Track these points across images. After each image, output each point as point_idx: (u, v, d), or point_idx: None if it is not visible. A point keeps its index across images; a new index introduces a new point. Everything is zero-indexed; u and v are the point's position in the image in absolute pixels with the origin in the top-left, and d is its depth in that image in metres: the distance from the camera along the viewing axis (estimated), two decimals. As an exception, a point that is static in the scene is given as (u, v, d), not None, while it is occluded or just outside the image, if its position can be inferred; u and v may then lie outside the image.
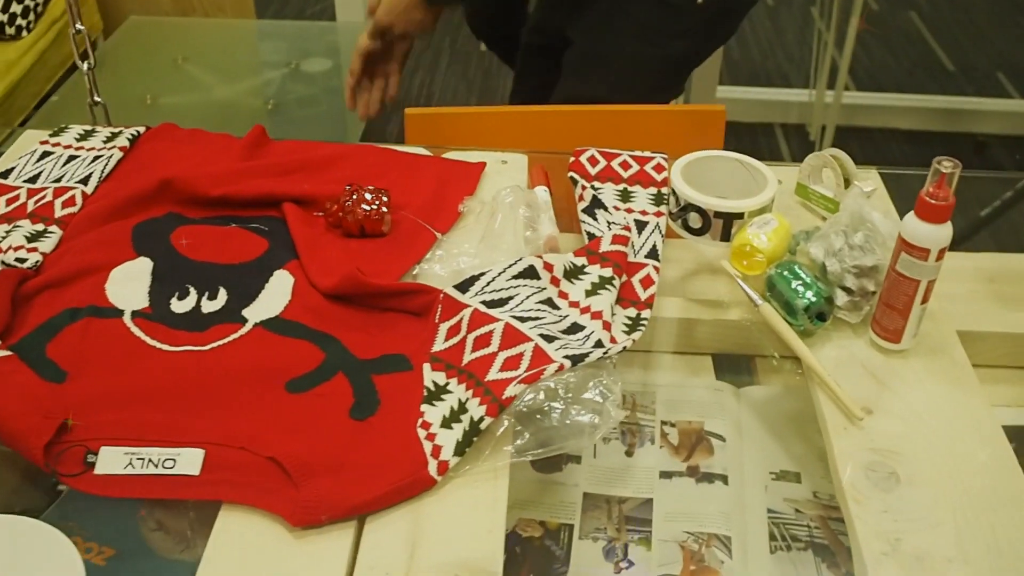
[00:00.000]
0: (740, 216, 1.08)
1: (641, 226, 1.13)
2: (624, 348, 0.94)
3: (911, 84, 3.72)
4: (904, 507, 0.82)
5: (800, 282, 0.99)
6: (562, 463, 1.02)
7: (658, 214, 1.15)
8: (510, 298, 0.96)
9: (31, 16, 2.62)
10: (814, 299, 0.98)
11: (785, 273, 1.00)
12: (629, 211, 1.15)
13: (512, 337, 0.90)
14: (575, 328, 0.95)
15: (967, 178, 1.80)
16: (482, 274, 0.98)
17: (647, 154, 1.25)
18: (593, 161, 1.23)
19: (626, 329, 0.98)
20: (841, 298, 1.00)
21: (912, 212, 0.91)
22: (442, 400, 0.87)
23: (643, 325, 0.99)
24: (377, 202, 1.08)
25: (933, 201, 0.89)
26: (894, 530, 0.80)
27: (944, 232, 0.91)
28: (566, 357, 0.87)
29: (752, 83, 3.66)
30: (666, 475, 1.01)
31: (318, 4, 4.13)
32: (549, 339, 0.90)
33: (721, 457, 1.02)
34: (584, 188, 1.17)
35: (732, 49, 3.92)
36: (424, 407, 0.87)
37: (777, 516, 0.97)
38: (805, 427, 1.01)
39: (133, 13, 2.79)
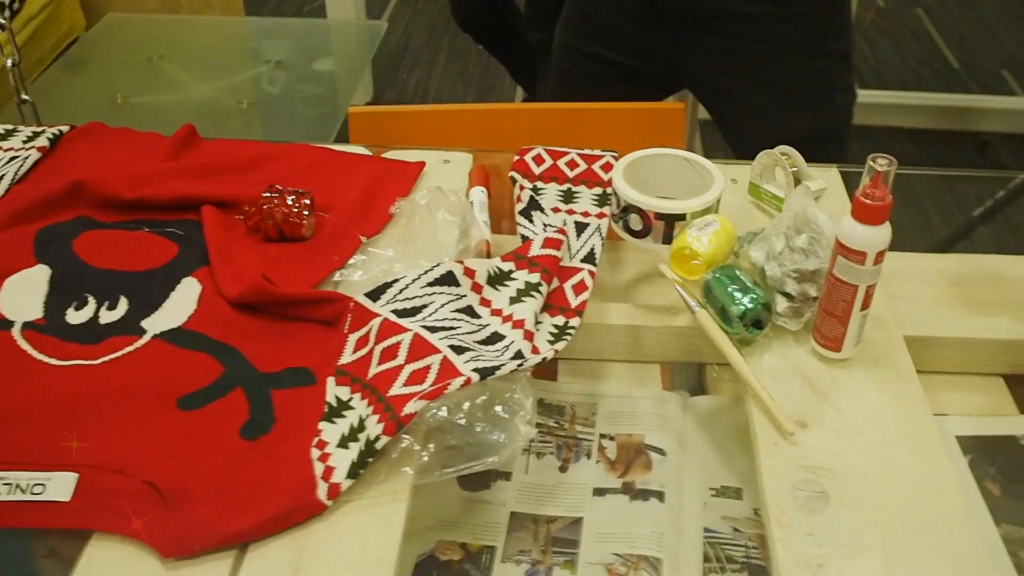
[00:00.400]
0: (682, 218, 1.03)
1: (581, 228, 1.07)
2: (544, 359, 0.88)
3: (916, 82, 3.65)
4: (831, 530, 0.77)
5: (737, 287, 0.93)
6: (490, 480, 0.96)
7: (600, 215, 1.09)
8: (424, 306, 0.90)
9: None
10: (750, 305, 0.92)
11: (722, 277, 0.95)
12: (571, 212, 1.10)
13: (420, 349, 0.84)
14: (495, 338, 0.90)
15: (970, 178, 1.74)
16: (395, 281, 0.92)
17: (596, 152, 1.19)
18: (539, 160, 1.18)
19: (551, 338, 0.93)
20: (781, 304, 0.94)
21: (848, 214, 0.85)
22: (343, 417, 0.82)
23: (569, 334, 0.94)
24: (298, 205, 1.02)
25: (869, 201, 0.83)
26: (818, 555, 0.75)
27: (882, 234, 0.85)
28: (475, 370, 0.82)
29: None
30: (600, 492, 0.95)
31: (316, 1, 4.09)
32: (460, 350, 0.84)
33: (659, 472, 0.97)
34: (522, 189, 1.11)
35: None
36: (322, 425, 0.82)
37: (714, 536, 0.91)
38: (750, 440, 0.95)
39: (116, 10, 2.75)
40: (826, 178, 1.15)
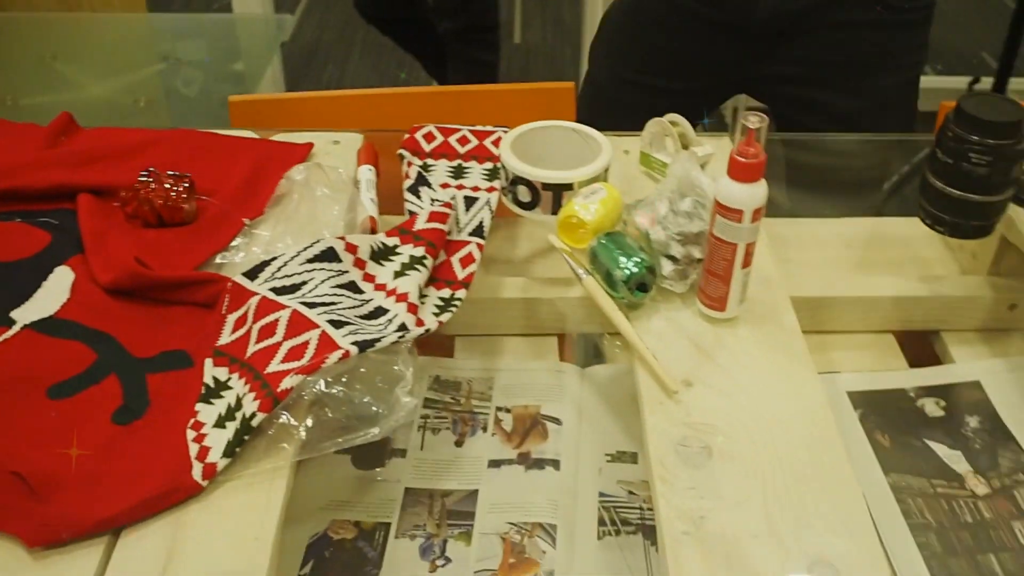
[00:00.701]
0: (570, 187, 1.02)
1: (471, 202, 1.06)
2: (427, 331, 0.87)
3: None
4: (713, 483, 0.77)
5: (621, 252, 0.93)
6: (384, 458, 0.96)
7: (491, 190, 1.09)
8: (303, 283, 0.89)
9: None
10: (634, 269, 0.92)
11: (607, 243, 0.95)
12: (460, 187, 1.09)
13: (298, 325, 0.83)
14: (378, 312, 0.89)
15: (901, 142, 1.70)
16: (274, 259, 0.91)
17: (488, 128, 1.19)
18: (429, 137, 1.17)
19: (436, 311, 0.92)
20: (667, 267, 0.94)
21: (725, 173, 0.85)
22: (220, 397, 0.80)
23: (455, 306, 0.93)
24: (176, 188, 1.00)
25: (743, 159, 0.83)
26: (699, 508, 0.75)
27: (758, 191, 0.85)
28: (354, 343, 0.81)
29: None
30: (495, 464, 0.95)
31: (223, -1, 4.03)
32: (339, 324, 0.83)
33: (555, 442, 0.97)
34: (410, 165, 1.10)
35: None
36: (199, 406, 0.80)
37: (609, 499, 0.92)
38: (640, 403, 0.96)
39: (10, 9, 2.67)
40: (716, 145, 1.16)
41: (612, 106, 1.62)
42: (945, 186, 0.98)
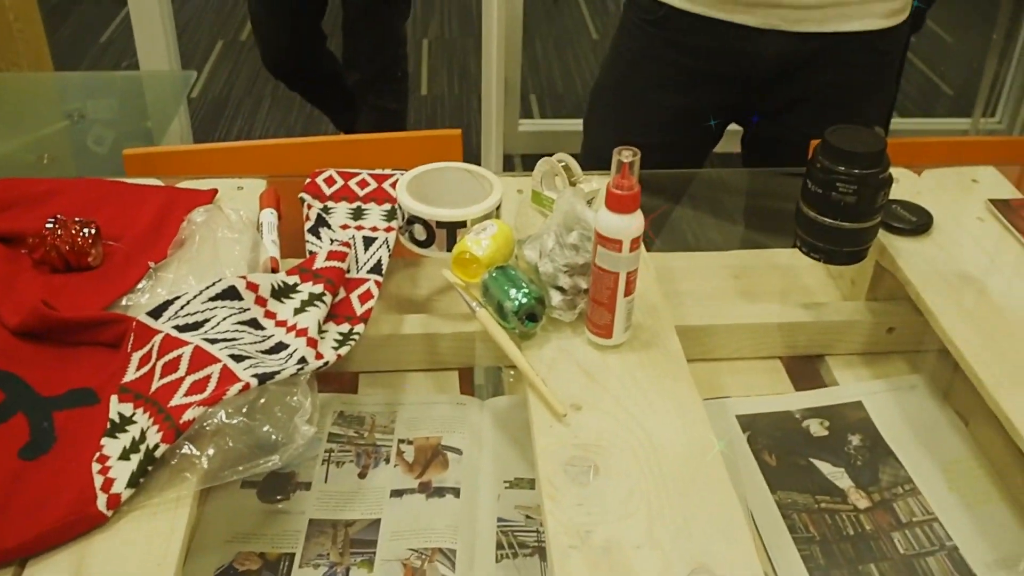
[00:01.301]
0: (463, 224, 1.07)
1: (369, 242, 1.10)
2: (326, 364, 0.91)
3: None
4: (599, 500, 0.81)
5: (511, 284, 0.98)
6: (289, 491, 0.98)
7: (388, 229, 1.13)
8: (206, 320, 0.92)
9: None
10: (524, 300, 0.96)
11: (497, 276, 0.99)
12: (360, 228, 1.13)
13: (200, 360, 0.86)
14: (279, 347, 0.92)
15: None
16: (177, 298, 0.94)
17: (387, 172, 1.23)
18: (330, 181, 1.21)
19: (335, 345, 0.95)
20: (555, 298, 0.99)
21: (603, 206, 0.91)
22: (125, 431, 0.83)
23: (354, 339, 0.97)
24: (83, 234, 1.03)
25: (619, 191, 0.89)
26: (585, 523, 0.79)
27: (634, 222, 0.90)
28: (254, 375, 0.84)
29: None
30: (397, 493, 0.98)
31: (133, 57, 4.04)
32: (240, 359, 0.86)
33: (456, 471, 1.00)
34: (310, 208, 1.14)
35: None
36: (105, 440, 0.82)
37: (507, 524, 0.95)
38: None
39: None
40: (600, 181, 1.22)
41: None
42: (817, 215, 1.05)
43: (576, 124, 3.45)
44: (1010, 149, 1.61)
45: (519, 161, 3.42)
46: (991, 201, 1.21)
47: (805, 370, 1.15)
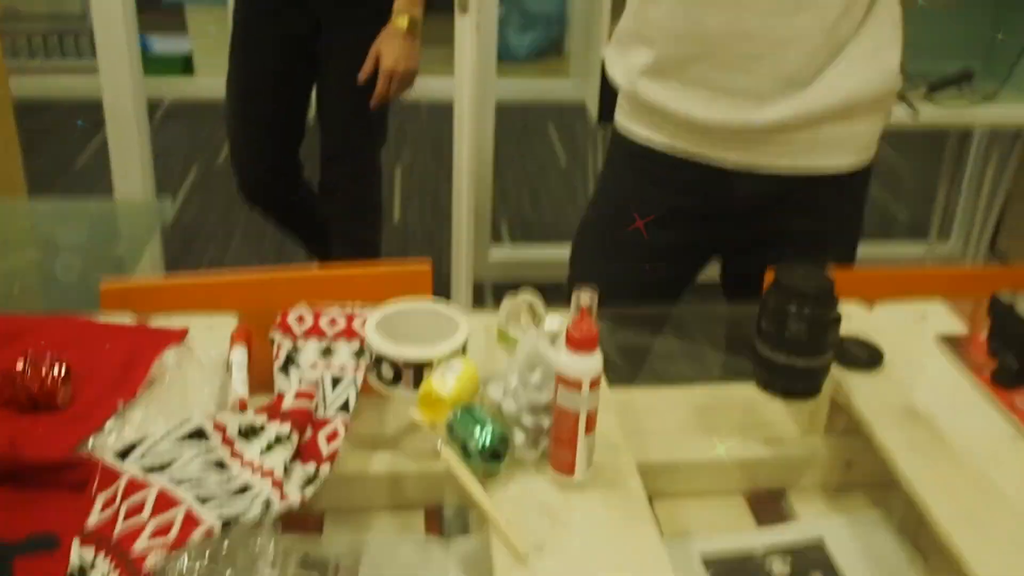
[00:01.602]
0: (429, 364, 1.09)
1: (337, 381, 1.12)
2: (291, 506, 0.92)
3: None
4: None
5: (475, 423, 1.00)
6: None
7: (356, 368, 1.15)
8: (172, 461, 0.93)
9: None
10: (487, 440, 0.98)
11: (462, 416, 1.01)
12: (328, 366, 1.15)
13: (165, 503, 0.87)
14: (244, 489, 0.93)
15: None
16: (144, 439, 0.95)
17: (356, 311, 1.25)
18: (301, 319, 1.23)
19: (301, 484, 0.96)
20: (519, 436, 1.01)
21: (564, 347, 0.93)
22: (86, 578, 0.83)
23: (320, 480, 0.98)
24: (52, 374, 1.04)
25: (577, 334, 0.92)
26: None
27: (593, 362, 0.93)
28: (219, 518, 0.85)
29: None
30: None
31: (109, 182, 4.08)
32: (205, 500, 0.87)
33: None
34: (279, 346, 1.16)
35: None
36: (66, 587, 0.83)
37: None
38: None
39: None
40: (563, 322, 1.24)
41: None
42: (771, 352, 1.08)
43: (545, 251, 3.55)
44: (960, 282, 1.66)
45: (490, 289, 3.46)
46: (940, 337, 1.24)
47: (767, 504, 1.16)
